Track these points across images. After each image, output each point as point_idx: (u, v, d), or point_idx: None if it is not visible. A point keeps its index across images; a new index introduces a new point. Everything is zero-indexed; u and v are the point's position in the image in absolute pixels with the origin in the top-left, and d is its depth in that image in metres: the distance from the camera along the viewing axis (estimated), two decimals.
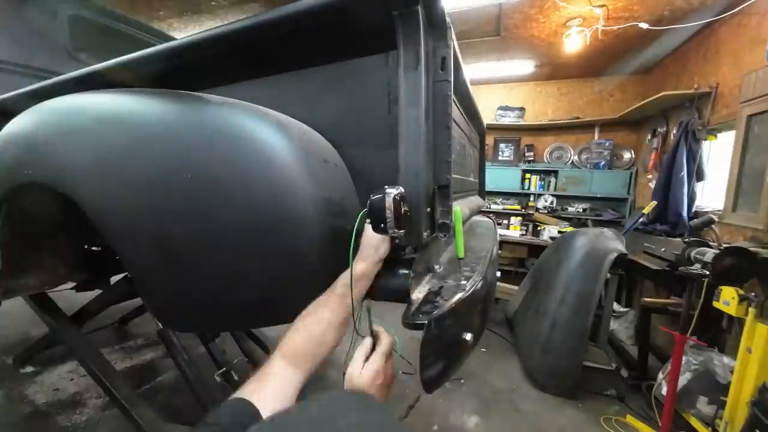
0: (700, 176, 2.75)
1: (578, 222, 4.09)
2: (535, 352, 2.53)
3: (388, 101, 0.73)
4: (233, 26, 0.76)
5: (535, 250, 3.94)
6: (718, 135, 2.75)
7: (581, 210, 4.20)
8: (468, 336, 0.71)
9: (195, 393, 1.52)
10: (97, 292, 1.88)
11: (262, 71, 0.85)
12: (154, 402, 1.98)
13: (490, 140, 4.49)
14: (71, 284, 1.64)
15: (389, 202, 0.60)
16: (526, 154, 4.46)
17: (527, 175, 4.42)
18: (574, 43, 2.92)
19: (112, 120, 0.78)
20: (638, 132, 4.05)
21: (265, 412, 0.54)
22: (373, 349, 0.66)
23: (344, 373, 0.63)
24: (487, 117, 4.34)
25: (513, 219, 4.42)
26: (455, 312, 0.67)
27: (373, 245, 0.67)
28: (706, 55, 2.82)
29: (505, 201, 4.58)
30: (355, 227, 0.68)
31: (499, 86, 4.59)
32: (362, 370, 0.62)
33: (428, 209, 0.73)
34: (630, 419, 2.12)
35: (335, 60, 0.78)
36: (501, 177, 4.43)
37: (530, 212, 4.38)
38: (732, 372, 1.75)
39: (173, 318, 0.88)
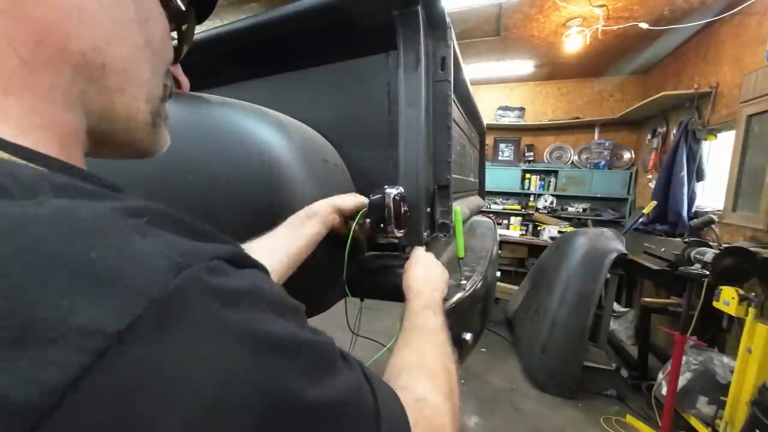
0: (700, 176, 2.75)
1: (578, 222, 4.09)
2: (535, 351, 2.53)
3: (388, 101, 0.73)
4: (233, 26, 0.76)
5: (535, 250, 3.94)
6: (718, 135, 2.75)
7: (581, 210, 4.20)
8: (468, 335, 0.71)
9: None
10: None
11: (263, 71, 0.85)
12: None
13: (490, 140, 4.49)
14: None
15: (389, 201, 0.60)
16: (526, 154, 4.46)
17: (527, 175, 4.42)
18: (574, 43, 2.92)
19: None
20: (638, 132, 4.04)
21: None
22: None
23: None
24: (487, 117, 4.34)
25: (513, 219, 4.42)
26: (455, 311, 0.67)
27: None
28: (706, 55, 2.82)
29: (505, 201, 4.58)
30: (353, 227, 0.68)
31: (499, 86, 4.58)
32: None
33: (428, 209, 0.73)
34: (630, 419, 2.12)
35: (335, 60, 0.78)
36: (501, 177, 4.43)
37: (530, 212, 4.38)
38: (732, 372, 1.75)
39: None
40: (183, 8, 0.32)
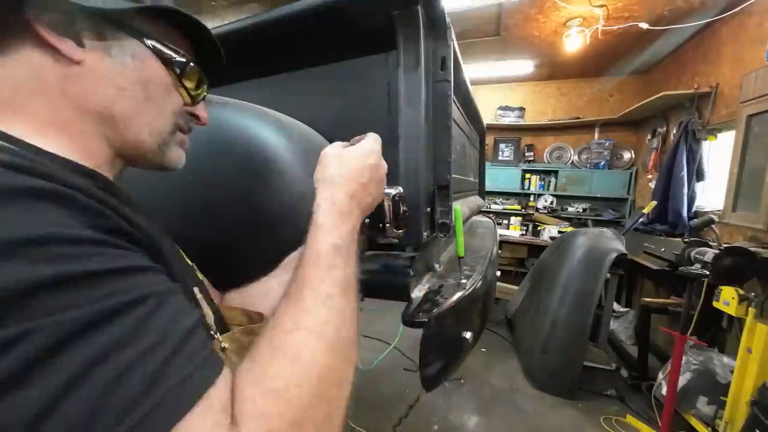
0: (700, 176, 2.75)
1: (578, 222, 4.09)
2: (535, 351, 2.53)
3: (388, 101, 0.73)
4: (233, 26, 0.76)
5: (535, 250, 3.94)
6: (718, 135, 2.75)
7: (581, 210, 4.20)
8: (468, 334, 0.71)
9: None
10: None
11: (262, 71, 0.85)
12: None
13: (490, 140, 4.49)
14: None
15: (388, 202, 0.60)
16: (526, 154, 4.46)
17: (527, 175, 4.42)
18: (574, 43, 2.92)
19: None
20: (638, 132, 4.05)
21: None
22: None
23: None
24: (487, 117, 4.34)
25: (513, 219, 4.42)
26: (455, 310, 0.67)
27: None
28: (706, 55, 2.82)
29: (505, 201, 4.58)
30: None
31: (499, 86, 4.58)
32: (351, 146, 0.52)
33: (428, 209, 0.73)
34: (630, 419, 2.12)
35: (335, 60, 0.78)
36: (501, 177, 4.43)
37: (530, 212, 4.38)
38: (732, 372, 1.75)
39: None
40: (182, 70, 0.41)
